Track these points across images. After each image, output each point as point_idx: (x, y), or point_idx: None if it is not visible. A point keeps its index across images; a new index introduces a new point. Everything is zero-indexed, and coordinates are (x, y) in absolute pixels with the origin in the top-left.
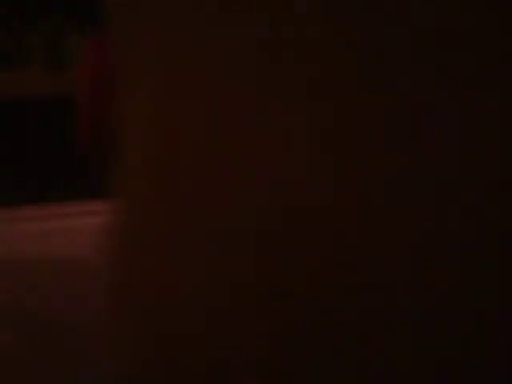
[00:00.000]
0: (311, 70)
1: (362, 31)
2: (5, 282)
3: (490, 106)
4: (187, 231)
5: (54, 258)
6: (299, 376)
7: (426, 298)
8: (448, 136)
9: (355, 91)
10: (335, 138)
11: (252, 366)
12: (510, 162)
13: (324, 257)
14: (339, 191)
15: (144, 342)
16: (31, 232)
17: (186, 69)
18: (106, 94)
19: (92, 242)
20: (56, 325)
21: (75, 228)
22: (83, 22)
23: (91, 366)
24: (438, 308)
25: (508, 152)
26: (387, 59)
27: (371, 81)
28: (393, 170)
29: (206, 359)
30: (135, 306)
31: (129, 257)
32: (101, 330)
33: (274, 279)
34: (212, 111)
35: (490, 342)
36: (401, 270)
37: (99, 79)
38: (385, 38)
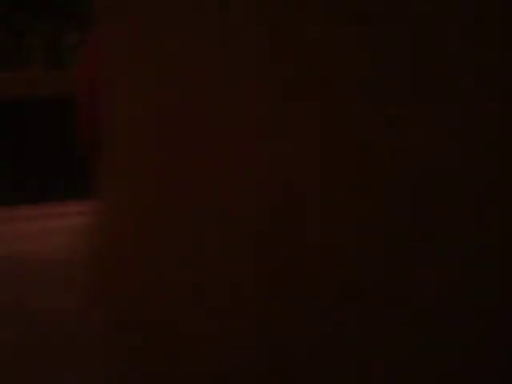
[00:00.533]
0: (311, 69)
1: (362, 31)
2: (5, 281)
3: (489, 106)
4: (176, 229)
5: (54, 258)
6: (299, 376)
7: (426, 297)
8: (448, 136)
9: (355, 90)
10: (335, 140)
11: (252, 366)
12: (510, 161)
13: (324, 256)
14: (339, 191)
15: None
16: (31, 232)
17: (173, 67)
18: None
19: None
20: (56, 325)
21: (75, 228)
22: (83, 21)
23: (91, 366)
24: (438, 308)
25: (508, 151)
26: (387, 58)
27: (371, 79)
28: (393, 170)
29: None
30: (123, 298)
31: (115, 257)
32: (100, 330)
33: (274, 279)
34: (200, 109)
35: (490, 342)
36: (401, 270)
37: (99, 78)
38: (384, 37)
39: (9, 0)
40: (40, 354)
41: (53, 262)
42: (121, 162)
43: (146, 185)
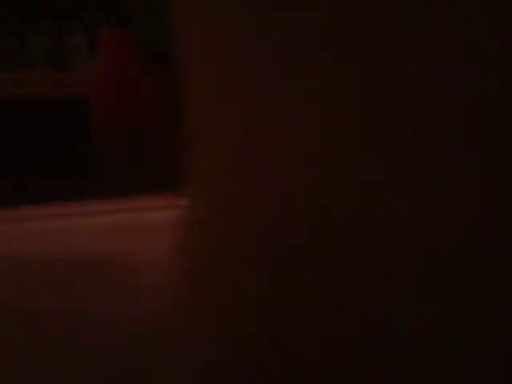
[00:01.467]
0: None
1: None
2: (5, 281)
3: (489, 106)
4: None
5: (55, 258)
6: (299, 376)
7: (427, 298)
8: (449, 137)
9: (356, 92)
10: (338, 141)
11: (252, 366)
12: (511, 160)
13: (325, 257)
14: (339, 194)
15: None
16: (31, 232)
17: (258, 73)
18: (123, 93)
19: (93, 241)
20: (56, 325)
21: (76, 228)
22: (85, 21)
23: (91, 367)
24: (438, 308)
25: (508, 151)
26: (387, 55)
27: (372, 83)
28: (393, 170)
29: None
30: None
31: (198, 256)
32: (100, 331)
33: (275, 279)
34: (283, 113)
35: (490, 341)
36: (401, 270)
37: (114, 78)
38: (385, 37)
39: (9, 0)
40: (39, 355)
41: (53, 261)
42: (208, 162)
43: (233, 184)
